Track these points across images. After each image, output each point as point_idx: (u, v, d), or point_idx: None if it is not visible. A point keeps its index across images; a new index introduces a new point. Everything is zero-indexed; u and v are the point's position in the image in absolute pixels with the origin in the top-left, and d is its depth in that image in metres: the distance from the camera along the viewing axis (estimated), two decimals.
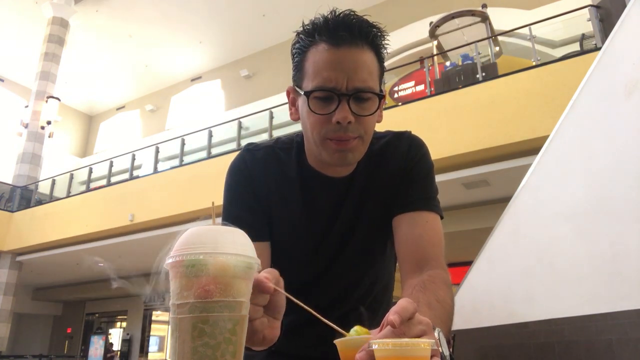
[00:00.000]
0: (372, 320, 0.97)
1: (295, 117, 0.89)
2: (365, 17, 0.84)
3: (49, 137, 11.96)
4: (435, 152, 6.57)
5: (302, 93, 0.84)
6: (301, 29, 0.85)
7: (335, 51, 0.80)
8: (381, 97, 0.84)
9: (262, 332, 0.59)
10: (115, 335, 13.60)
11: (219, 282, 0.45)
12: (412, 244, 0.87)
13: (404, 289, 0.83)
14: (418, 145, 0.97)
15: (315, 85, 0.81)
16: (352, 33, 0.80)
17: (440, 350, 0.58)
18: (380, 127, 0.95)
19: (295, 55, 0.86)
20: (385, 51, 0.87)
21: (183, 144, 9.80)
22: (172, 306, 0.47)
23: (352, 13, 0.82)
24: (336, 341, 0.62)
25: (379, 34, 0.84)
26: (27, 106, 12.21)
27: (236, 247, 0.47)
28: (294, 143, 0.97)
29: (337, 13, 0.82)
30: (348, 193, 0.94)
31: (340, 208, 0.94)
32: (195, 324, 0.45)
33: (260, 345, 0.61)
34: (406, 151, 0.95)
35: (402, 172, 0.94)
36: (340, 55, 0.80)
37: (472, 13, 7.97)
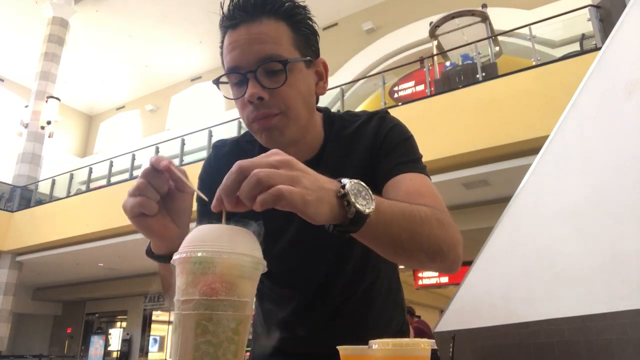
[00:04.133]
0: (368, 310, 0.95)
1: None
2: None
3: (49, 137, 11.96)
4: (435, 152, 6.57)
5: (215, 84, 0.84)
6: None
7: (232, 33, 0.79)
8: (285, 63, 0.77)
9: (155, 230, 0.64)
10: (115, 335, 13.60)
11: (225, 280, 0.45)
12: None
13: None
14: (388, 121, 0.92)
15: (225, 71, 0.81)
16: (245, 11, 0.78)
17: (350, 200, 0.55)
18: None
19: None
20: (301, 16, 0.82)
21: (183, 144, 9.80)
22: (176, 302, 0.47)
23: None
24: (339, 347, 0.63)
25: (284, 2, 0.80)
26: (27, 106, 12.20)
27: (244, 246, 0.47)
28: None
29: None
30: None
31: None
32: (199, 321, 0.45)
33: (157, 244, 0.67)
34: (376, 130, 0.90)
35: (372, 150, 0.89)
36: (237, 34, 0.79)
37: (472, 13, 7.97)
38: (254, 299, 0.50)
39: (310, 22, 0.84)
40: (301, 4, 0.83)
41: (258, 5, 0.78)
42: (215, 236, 0.47)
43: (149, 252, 0.71)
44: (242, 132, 1.02)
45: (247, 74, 0.77)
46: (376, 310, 0.96)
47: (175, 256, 0.47)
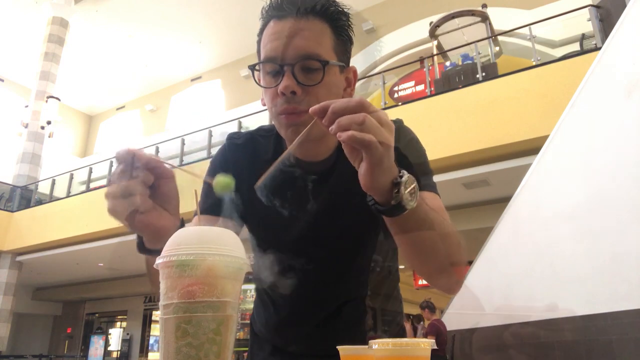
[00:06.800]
0: (369, 313, 0.96)
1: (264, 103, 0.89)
2: None
3: (49, 137, 11.95)
4: (435, 152, 6.55)
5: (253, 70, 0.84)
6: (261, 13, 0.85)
7: (277, 23, 0.80)
8: (326, 63, 0.80)
9: (153, 224, 0.62)
10: (115, 335, 13.60)
11: (203, 282, 0.46)
12: None
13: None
14: (405, 133, 0.94)
15: (262, 59, 0.81)
16: (294, 5, 0.80)
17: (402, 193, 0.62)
18: None
19: (257, 37, 0.87)
20: (345, 24, 0.85)
21: (183, 144, 9.80)
22: (160, 307, 0.47)
23: None
24: (339, 347, 0.63)
25: (331, 4, 0.82)
26: (27, 106, 12.19)
27: (222, 247, 0.47)
28: (274, 130, 0.95)
29: None
30: (328, 178, 0.91)
31: (317, 193, 0.90)
32: (179, 324, 0.45)
33: (155, 238, 0.64)
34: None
35: None
36: (283, 25, 0.80)
37: (472, 13, 7.97)
38: (238, 298, 0.49)
39: (350, 31, 0.86)
40: (346, 11, 0.85)
41: (308, 3, 0.80)
42: (192, 239, 0.47)
43: (141, 247, 0.69)
44: (243, 132, 1.02)
45: (284, 66, 0.78)
46: (376, 313, 0.97)
47: (158, 261, 0.47)
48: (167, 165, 0.63)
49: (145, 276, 0.78)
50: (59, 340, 14.63)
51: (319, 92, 0.80)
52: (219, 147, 1.02)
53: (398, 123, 0.95)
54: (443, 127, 6.06)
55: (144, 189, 0.60)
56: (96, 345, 13.15)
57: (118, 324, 14.10)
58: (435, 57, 7.88)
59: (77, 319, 14.68)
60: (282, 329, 0.95)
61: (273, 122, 0.87)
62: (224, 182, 0.62)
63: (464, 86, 6.58)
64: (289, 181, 0.89)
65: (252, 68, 0.84)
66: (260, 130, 0.98)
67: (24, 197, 11.32)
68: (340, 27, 0.84)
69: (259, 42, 0.85)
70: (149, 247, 0.67)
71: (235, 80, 14.64)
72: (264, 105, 0.87)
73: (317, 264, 0.92)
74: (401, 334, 1.04)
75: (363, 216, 0.88)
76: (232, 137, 0.99)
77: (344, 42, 0.85)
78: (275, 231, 0.92)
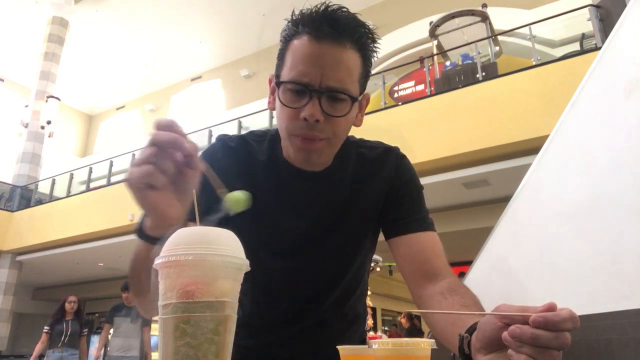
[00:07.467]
0: (353, 320, 0.97)
1: (272, 107, 0.86)
2: (357, 15, 0.80)
3: (49, 137, 11.95)
4: (435, 152, 6.52)
5: (275, 83, 0.82)
6: (290, 17, 0.82)
7: (315, 45, 0.77)
8: (355, 100, 0.80)
9: (162, 206, 0.56)
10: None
11: (201, 282, 0.46)
12: (416, 259, 0.87)
13: (423, 300, 0.82)
14: (406, 167, 0.95)
15: (291, 78, 0.79)
16: (335, 29, 0.77)
17: None
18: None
19: (281, 43, 0.84)
20: (374, 54, 0.84)
21: None
22: (159, 307, 0.47)
23: (342, 9, 0.79)
24: (339, 347, 0.63)
25: (368, 34, 0.80)
26: (27, 106, 12.19)
27: (222, 247, 0.47)
28: (268, 135, 0.95)
29: (326, 6, 0.78)
30: (327, 190, 0.91)
31: (313, 204, 0.91)
32: (177, 325, 0.45)
33: (159, 223, 0.58)
34: (393, 170, 0.93)
35: (387, 190, 0.92)
36: (320, 50, 0.77)
37: (472, 13, 7.97)
38: (237, 298, 0.49)
39: (374, 58, 0.86)
40: (377, 37, 0.83)
41: (348, 30, 0.78)
42: (191, 239, 0.47)
43: (141, 232, 0.62)
44: (242, 131, 1.03)
45: (313, 92, 0.77)
46: (360, 320, 1.00)
47: (156, 261, 0.47)
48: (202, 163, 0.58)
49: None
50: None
51: (340, 122, 0.81)
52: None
53: (397, 150, 0.96)
54: (443, 127, 6.06)
55: (169, 165, 0.54)
56: (96, 345, 13.13)
57: None
58: (435, 57, 7.87)
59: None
60: (267, 332, 0.95)
61: (283, 136, 0.86)
62: (236, 198, 0.59)
63: (464, 86, 6.58)
64: (277, 187, 0.90)
65: (279, 85, 0.81)
66: (252, 134, 0.97)
67: (24, 197, 11.32)
68: (369, 57, 0.83)
69: (283, 42, 0.82)
70: (148, 233, 0.61)
71: (235, 80, 14.63)
72: (272, 109, 0.86)
73: (298, 277, 0.92)
74: (365, 337, 1.05)
75: (352, 235, 0.92)
76: (224, 140, 0.96)
77: (368, 70, 0.84)
78: (268, 235, 0.91)
